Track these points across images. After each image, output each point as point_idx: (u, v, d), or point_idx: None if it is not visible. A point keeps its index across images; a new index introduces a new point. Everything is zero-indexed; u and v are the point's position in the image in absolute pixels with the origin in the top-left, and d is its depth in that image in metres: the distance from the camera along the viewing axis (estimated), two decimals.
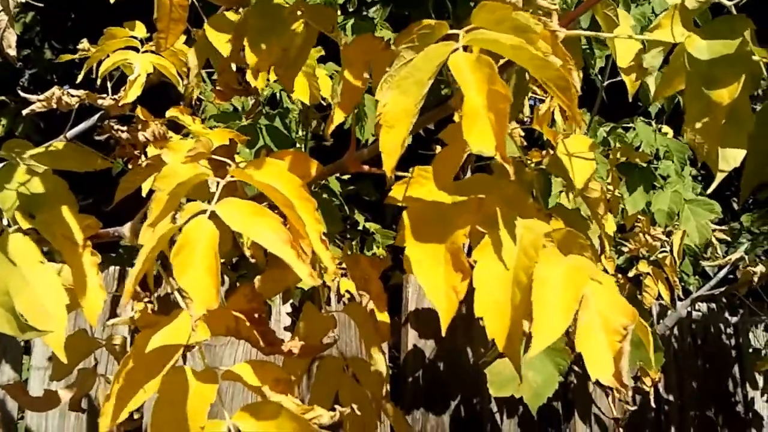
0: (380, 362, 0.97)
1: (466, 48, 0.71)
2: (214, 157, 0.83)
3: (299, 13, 0.95)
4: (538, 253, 0.69)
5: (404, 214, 0.76)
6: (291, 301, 2.50)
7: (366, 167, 0.90)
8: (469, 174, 2.24)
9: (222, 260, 0.71)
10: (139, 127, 1.11)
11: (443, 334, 0.68)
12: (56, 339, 0.79)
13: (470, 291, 0.72)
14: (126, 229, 0.98)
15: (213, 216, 0.71)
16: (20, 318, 0.72)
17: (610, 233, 1.21)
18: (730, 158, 0.74)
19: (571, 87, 0.68)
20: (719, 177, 0.74)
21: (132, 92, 1.23)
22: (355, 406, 0.91)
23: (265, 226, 0.70)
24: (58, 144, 1.03)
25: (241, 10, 1.08)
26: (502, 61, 0.81)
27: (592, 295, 0.68)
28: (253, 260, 1.11)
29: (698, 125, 0.73)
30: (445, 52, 0.71)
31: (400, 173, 0.80)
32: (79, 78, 1.35)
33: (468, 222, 0.74)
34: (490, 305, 0.69)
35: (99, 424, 0.73)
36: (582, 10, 0.85)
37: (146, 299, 1.01)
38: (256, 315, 0.86)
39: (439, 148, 2.12)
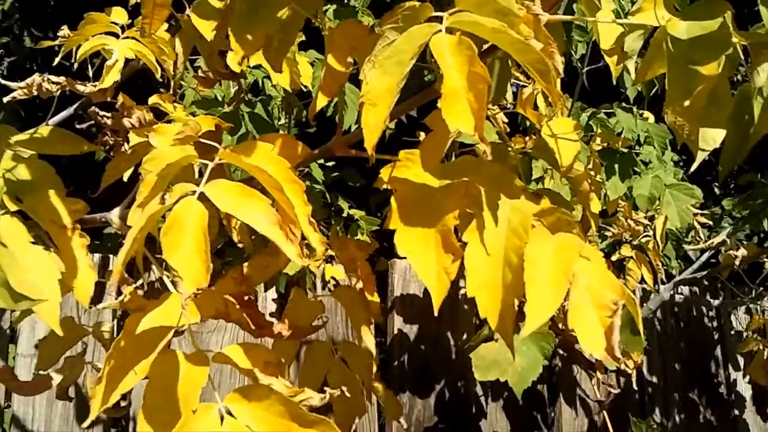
0: (370, 342, 0.98)
1: (449, 31, 0.72)
2: (201, 140, 0.84)
3: None
4: (527, 233, 0.70)
5: (392, 198, 0.76)
6: (275, 287, 2.51)
7: (353, 151, 0.91)
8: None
9: None
10: (124, 113, 1.11)
11: (435, 313, 0.69)
12: (51, 313, 0.79)
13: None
14: (114, 215, 0.98)
15: (202, 197, 0.71)
16: (13, 290, 0.72)
17: (596, 212, 1.23)
18: (710, 139, 0.75)
19: (551, 71, 0.69)
20: (700, 157, 0.75)
21: (109, 77, 1.21)
22: (344, 388, 0.92)
23: (253, 207, 0.71)
24: (43, 129, 1.03)
25: None
26: (486, 46, 0.82)
27: (582, 272, 0.69)
28: (240, 245, 1.11)
29: (679, 107, 0.74)
30: (428, 33, 0.71)
31: (386, 157, 0.81)
32: (56, 61, 1.32)
33: (457, 204, 0.75)
34: (482, 285, 0.71)
35: (90, 407, 0.73)
36: None
37: (134, 284, 1.02)
38: (246, 298, 0.86)
39: (423, 135, 2.12)
